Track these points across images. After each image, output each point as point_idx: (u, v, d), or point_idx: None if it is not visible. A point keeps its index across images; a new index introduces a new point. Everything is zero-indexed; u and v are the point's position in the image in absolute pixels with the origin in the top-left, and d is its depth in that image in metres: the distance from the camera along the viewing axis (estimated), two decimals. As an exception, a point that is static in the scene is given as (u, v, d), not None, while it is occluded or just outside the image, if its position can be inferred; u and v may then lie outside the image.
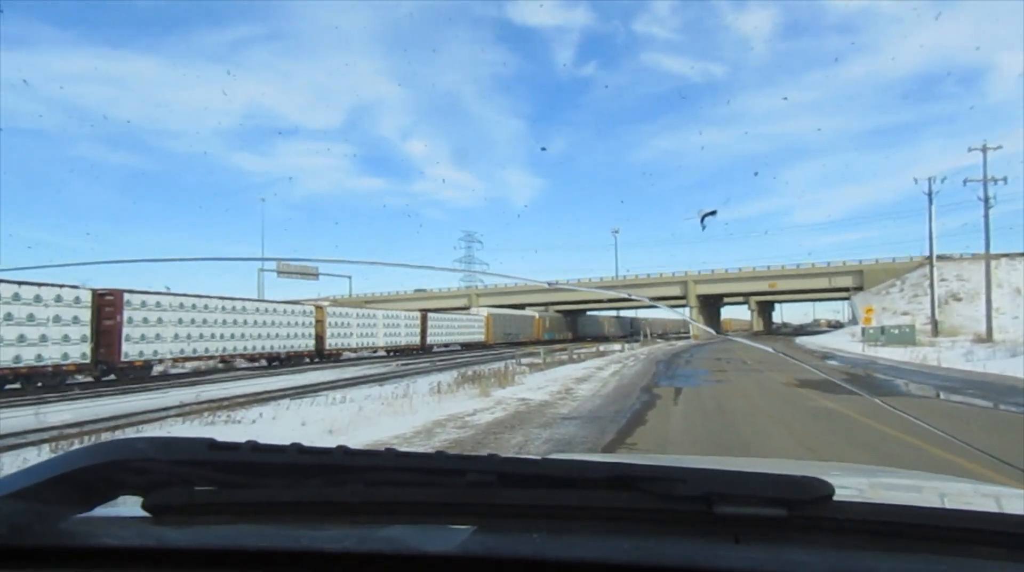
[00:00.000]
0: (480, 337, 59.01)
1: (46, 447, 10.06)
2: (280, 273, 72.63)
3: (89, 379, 24.51)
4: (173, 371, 29.03)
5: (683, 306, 77.24)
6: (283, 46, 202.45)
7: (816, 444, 8.96)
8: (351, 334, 39.72)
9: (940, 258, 51.32)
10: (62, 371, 22.60)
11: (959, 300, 55.01)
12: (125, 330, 24.80)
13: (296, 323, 34.65)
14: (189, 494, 0.96)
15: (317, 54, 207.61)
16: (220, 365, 31.42)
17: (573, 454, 7.42)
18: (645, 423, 11.29)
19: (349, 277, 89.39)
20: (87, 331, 23.38)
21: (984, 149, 39.88)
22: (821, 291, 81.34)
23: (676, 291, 79.63)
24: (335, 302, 57.93)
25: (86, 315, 23.44)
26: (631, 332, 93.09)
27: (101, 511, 0.98)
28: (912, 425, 9.30)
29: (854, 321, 60.10)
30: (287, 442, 1.01)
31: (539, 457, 1.06)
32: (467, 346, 55.09)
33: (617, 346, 46.50)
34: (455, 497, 0.95)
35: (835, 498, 0.93)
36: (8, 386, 21.13)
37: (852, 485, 1.76)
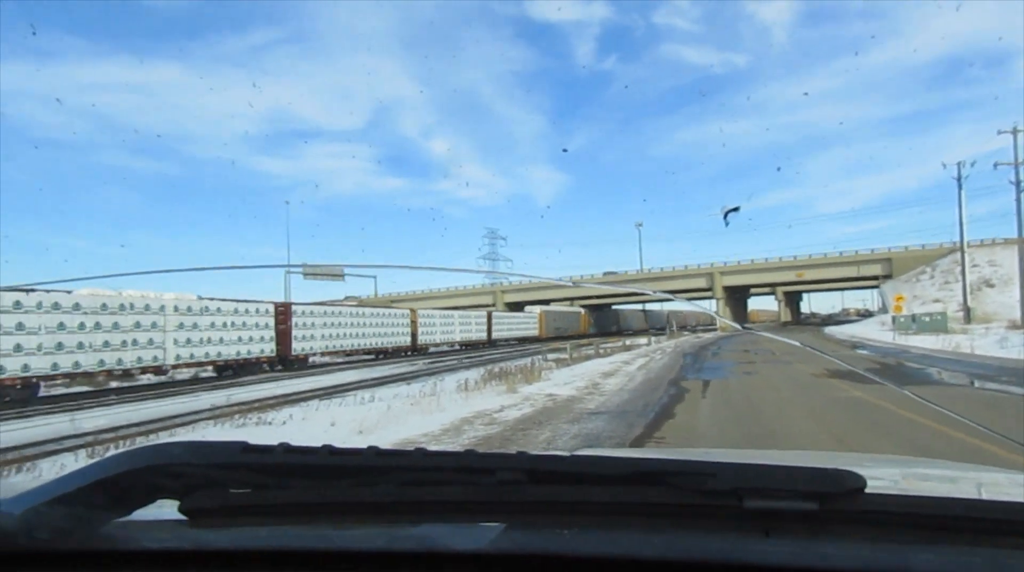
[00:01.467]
0: (535, 332, 64.84)
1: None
2: (306, 274, 73.29)
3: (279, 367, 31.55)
4: (320, 361, 36.53)
5: (709, 298, 76.66)
6: (304, 49, 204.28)
7: (846, 435, 8.86)
8: (435, 332, 47.43)
9: (971, 244, 50.45)
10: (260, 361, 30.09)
11: (992, 286, 54.04)
12: (294, 332, 32.19)
13: (398, 324, 42.67)
14: (224, 497, 0.97)
15: (338, 56, 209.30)
16: (347, 358, 39.21)
17: (601, 449, 7.41)
18: (673, 417, 11.24)
19: (374, 277, 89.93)
20: (273, 333, 30.88)
21: (1015, 132, 38.99)
22: (850, 280, 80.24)
23: (702, 283, 79.07)
24: (385, 302, 62.14)
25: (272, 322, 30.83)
26: (657, 325, 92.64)
27: (139, 515, 1.00)
28: (946, 414, 9.15)
29: (884, 310, 59.30)
30: (319, 443, 1.02)
31: (568, 453, 1.07)
32: (523, 340, 60.18)
33: (643, 340, 46.29)
34: (485, 495, 0.96)
35: (867, 490, 0.92)
36: (226, 372, 28.38)
37: (885, 477, 1.74)
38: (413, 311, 45.00)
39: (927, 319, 41.10)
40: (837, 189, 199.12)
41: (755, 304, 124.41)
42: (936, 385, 15.17)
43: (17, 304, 20.10)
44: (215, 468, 0.97)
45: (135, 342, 23.56)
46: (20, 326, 20.18)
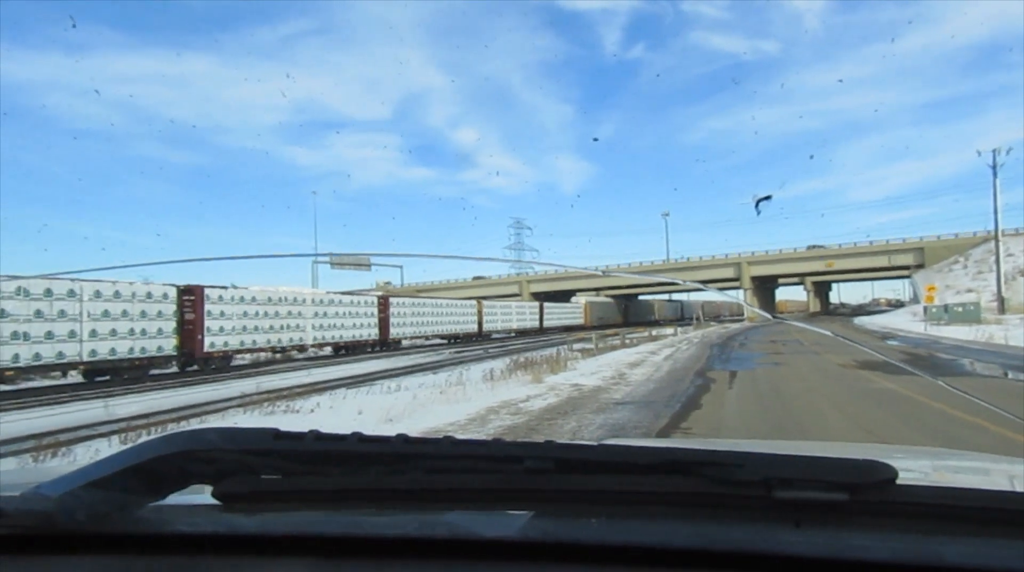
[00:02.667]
0: (580, 321, 70.09)
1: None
2: (334, 264, 74.05)
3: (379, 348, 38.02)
4: (408, 344, 42.12)
5: (736, 288, 76.03)
6: (334, 40, 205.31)
7: (876, 427, 8.76)
8: (497, 320, 54.27)
9: (1006, 232, 49.46)
10: (366, 343, 37.04)
11: (1027, 275, 52.97)
12: (391, 320, 39.31)
13: (468, 313, 49.60)
14: (256, 482, 0.99)
15: (366, 46, 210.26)
16: (426, 341, 45.15)
17: (627, 439, 7.41)
18: (700, 407, 11.18)
19: (400, 267, 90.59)
20: (376, 320, 37.91)
21: (1053, 118, 38.05)
22: (880, 270, 79.16)
23: (729, 273, 78.42)
24: (401, 292, 68.90)
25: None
26: (683, 316, 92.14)
27: (173, 499, 1.02)
28: (978, 406, 9.02)
29: (915, 300, 58.38)
30: (347, 431, 1.04)
31: (595, 443, 1.07)
32: (569, 328, 63.52)
33: (669, 330, 46.03)
34: (513, 483, 0.97)
35: (898, 481, 0.91)
36: (341, 350, 35.10)
37: (915, 468, 1.72)
38: (479, 302, 52.29)
39: (960, 309, 40.39)
40: (869, 177, 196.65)
41: (783, 294, 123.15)
42: (968, 376, 14.92)
43: (220, 297, 27.65)
44: (247, 454, 0.98)
45: (286, 327, 31.33)
46: (222, 314, 27.69)
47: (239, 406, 14.67)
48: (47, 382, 21.65)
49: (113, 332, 22.49)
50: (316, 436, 1.00)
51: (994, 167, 45.31)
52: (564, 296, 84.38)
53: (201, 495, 1.01)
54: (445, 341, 45.77)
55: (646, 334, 40.05)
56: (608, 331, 39.95)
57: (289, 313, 31.49)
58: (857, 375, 15.04)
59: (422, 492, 0.98)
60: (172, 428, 12.97)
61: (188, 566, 0.96)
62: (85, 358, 21.53)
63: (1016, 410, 9.05)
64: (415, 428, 9.73)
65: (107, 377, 22.31)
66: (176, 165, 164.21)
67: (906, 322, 44.10)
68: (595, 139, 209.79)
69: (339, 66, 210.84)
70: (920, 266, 66.98)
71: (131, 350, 23.14)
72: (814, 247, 77.15)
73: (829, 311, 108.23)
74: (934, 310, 40.04)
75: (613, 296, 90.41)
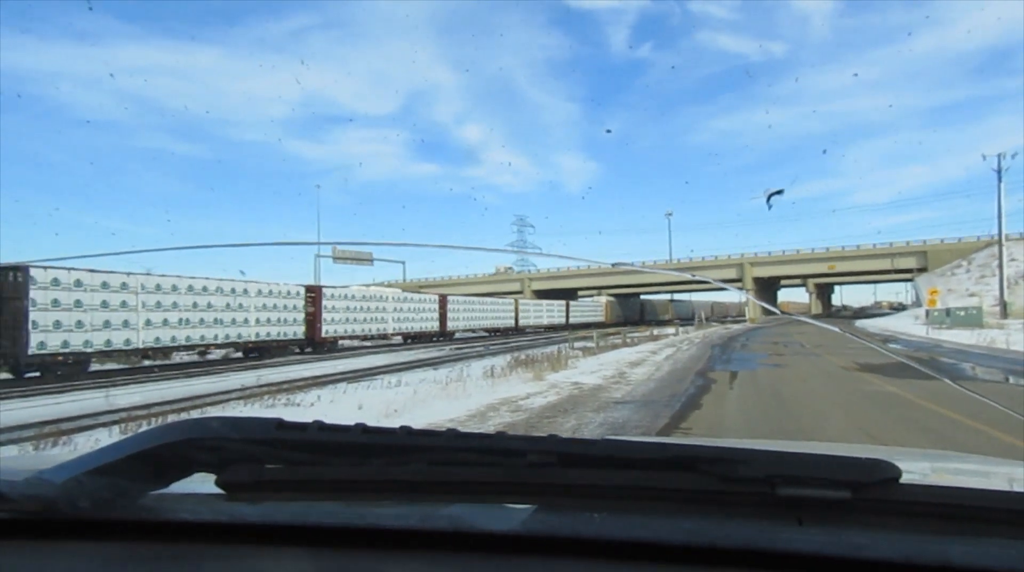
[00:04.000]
0: (601, 318, 74.12)
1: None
2: (336, 259, 74.02)
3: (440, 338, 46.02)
4: (461, 335, 50.21)
5: (738, 290, 75.98)
6: (340, 34, 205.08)
7: (877, 430, 8.75)
8: (530, 317, 61.31)
9: (1010, 237, 49.35)
10: (430, 334, 45.37)
11: (1030, 281, 52.84)
12: (449, 315, 47.18)
13: (507, 310, 57.05)
14: (259, 472, 0.99)
15: (373, 41, 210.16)
16: (473, 333, 52.78)
17: (628, 437, 7.40)
18: (700, 408, 11.18)
19: (403, 262, 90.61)
20: (437, 315, 45.96)
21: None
22: (883, 273, 79.02)
23: (732, 274, 78.30)
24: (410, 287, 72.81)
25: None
26: (685, 315, 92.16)
27: (177, 487, 1.02)
28: (979, 410, 9.01)
29: (918, 303, 58.30)
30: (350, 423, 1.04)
31: (598, 438, 1.07)
32: (590, 325, 65.17)
33: (671, 330, 46.02)
34: (516, 477, 0.97)
35: (901, 481, 0.91)
36: (409, 340, 42.99)
37: (917, 469, 1.72)
38: (516, 301, 59.65)
39: (962, 313, 40.32)
40: (873, 180, 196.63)
41: (785, 296, 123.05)
42: (969, 380, 14.90)
43: (332, 295, 35.43)
44: (251, 443, 0.98)
45: (374, 319, 38.86)
46: (333, 308, 35.20)
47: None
48: (219, 353, 30.06)
49: (268, 320, 30.43)
50: (320, 426, 1.00)
51: (999, 171, 45.25)
52: (566, 294, 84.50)
53: (204, 484, 1.01)
54: (487, 333, 54.09)
55: (647, 333, 40.05)
56: (609, 330, 40.25)
57: (377, 308, 39.38)
58: (858, 378, 15.02)
59: (425, 484, 0.99)
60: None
61: (190, 554, 0.96)
62: (253, 339, 29.59)
63: (1017, 414, 9.03)
64: (414, 423, 9.72)
65: (256, 354, 29.70)
66: (182, 156, 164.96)
67: (908, 325, 44.03)
68: (608, 131, 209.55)
69: (346, 60, 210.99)
70: (923, 269, 66.88)
71: (278, 334, 31.06)
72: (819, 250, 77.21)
73: (831, 313, 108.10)
74: (936, 314, 39.98)
75: (615, 295, 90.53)
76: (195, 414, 11.12)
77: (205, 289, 27.10)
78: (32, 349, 19.90)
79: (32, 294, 19.94)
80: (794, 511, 0.91)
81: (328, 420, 1.03)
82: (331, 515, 0.99)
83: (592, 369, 18.51)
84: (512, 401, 12.22)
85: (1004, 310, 43.74)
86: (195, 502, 1.04)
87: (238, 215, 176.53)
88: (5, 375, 20.06)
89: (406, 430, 1.00)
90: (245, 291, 29.11)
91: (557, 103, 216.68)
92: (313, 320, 33.29)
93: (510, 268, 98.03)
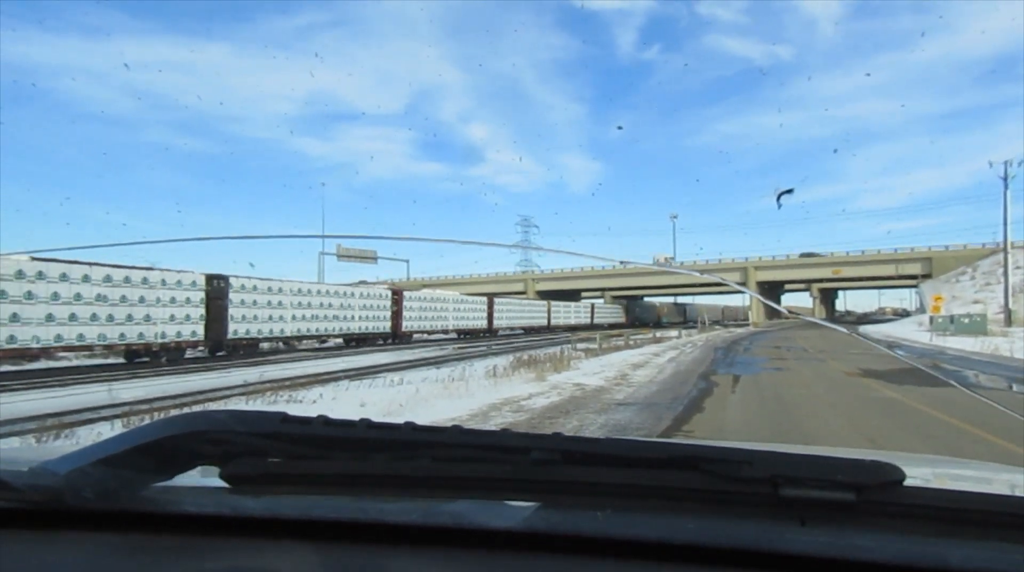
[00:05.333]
0: (621, 320, 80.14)
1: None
2: (340, 257, 74.12)
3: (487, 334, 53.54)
4: (503, 332, 56.42)
5: (742, 293, 75.84)
6: (348, 32, 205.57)
7: (879, 435, 8.73)
8: (560, 317, 66.98)
9: (1015, 244, 49.23)
10: (478, 330, 52.62)
11: (1035, 288, 52.68)
12: (495, 315, 54.59)
13: (539, 311, 64.25)
14: (263, 465, 0.99)
15: (380, 39, 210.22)
16: (512, 330, 58.79)
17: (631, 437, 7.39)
18: (702, 410, 11.17)
19: (407, 261, 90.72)
20: (486, 314, 53.58)
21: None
22: (887, 278, 78.92)
23: (735, 278, 78.04)
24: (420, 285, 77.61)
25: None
26: (688, 318, 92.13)
27: (181, 480, 1.02)
28: (981, 417, 8.98)
29: (922, 310, 58.18)
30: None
31: (602, 437, 1.07)
32: (612, 325, 70.95)
33: (673, 332, 45.99)
34: (519, 474, 0.97)
35: (905, 484, 0.91)
36: (463, 334, 49.92)
37: (919, 474, 1.72)
38: (548, 302, 66.54)
39: (966, 320, 40.19)
40: (878, 186, 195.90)
41: (789, 301, 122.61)
42: (972, 388, 14.86)
43: (410, 297, 43.52)
44: (255, 437, 0.98)
45: (439, 317, 46.34)
46: (410, 308, 43.02)
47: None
48: (333, 342, 37.04)
49: (366, 317, 38.04)
50: (324, 421, 1.00)
51: (1005, 178, 45.16)
52: (570, 295, 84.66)
53: (209, 476, 1.02)
54: (523, 331, 59.67)
55: (650, 336, 40.02)
56: (612, 332, 40.45)
57: (440, 308, 46.55)
58: (860, 383, 15.00)
59: (428, 480, 0.99)
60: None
61: (194, 546, 0.97)
62: (357, 332, 37.07)
63: (1020, 421, 9.00)
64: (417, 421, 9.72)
65: (355, 344, 36.76)
66: (188, 152, 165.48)
67: (912, 332, 43.92)
68: (619, 127, 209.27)
69: (354, 58, 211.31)
70: (928, 276, 66.73)
71: (372, 328, 38.67)
72: (810, 254, 77.15)
73: (834, 318, 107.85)
74: (940, 320, 39.84)
75: (617, 297, 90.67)
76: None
77: (328, 292, 35.36)
78: (229, 335, 28.21)
79: (231, 296, 28.28)
80: (797, 512, 0.91)
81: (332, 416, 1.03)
82: (334, 509, 0.99)
83: (594, 370, 18.50)
84: (514, 401, 12.22)
85: (1008, 318, 43.61)
86: (199, 495, 1.04)
87: (243, 211, 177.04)
88: (200, 352, 27.69)
89: (410, 426, 1.00)
90: (351, 293, 37.31)
91: (564, 103, 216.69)
92: (396, 317, 41.03)
93: (516, 269, 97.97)
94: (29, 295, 20.33)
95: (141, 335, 23.97)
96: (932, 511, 0.93)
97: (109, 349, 23.34)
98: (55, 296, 21.07)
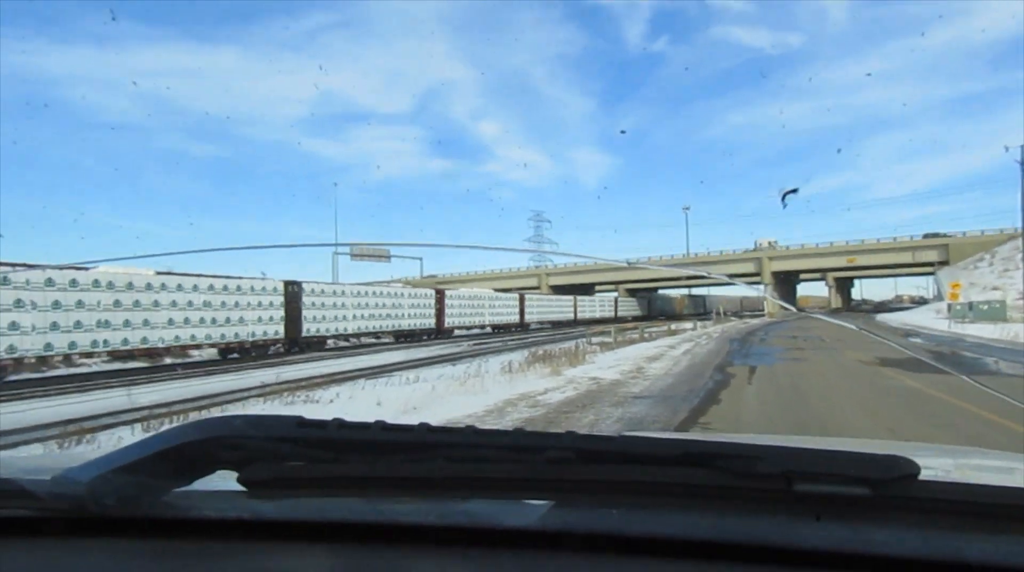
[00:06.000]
0: (644, 313, 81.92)
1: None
2: (354, 256, 74.47)
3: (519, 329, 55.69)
4: (534, 326, 58.31)
5: (757, 284, 75.54)
6: (355, 33, 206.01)
7: (897, 425, 8.68)
8: (586, 311, 70.03)
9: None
10: (510, 325, 54.69)
11: (1055, 273, 52.04)
12: (526, 310, 57.24)
13: (568, 306, 66.90)
14: (280, 469, 1.00)
15: (388, 39, 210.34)
16: (540, 325, 59.94)
17: (646, 433, 7.38)
18: (719, 402, 11.13)
19: (420, 259, 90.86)
20: (517, 310, 56.18)
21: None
22: (904, 266, 78.10)
23: (750, 268, 77.70)
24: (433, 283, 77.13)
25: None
26: (703, 310, 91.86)
27: (200, 485, 1.03)
28: (1002, 405, 8.90)
29: (939, 297, 57.60)
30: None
31: (616, 434, 1.07)
32: (634, 318, 72.29)
33: (688, 324, 45.77)
34: (534, 473, 0.97)
35: (920, 477, 0.91)
36: (497, 329, 51.79)
37: (937, 465, 1.70)
38: (575, 298, 69.19)
39: (984, 307, 39.82)
40: (893, 173, 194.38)
41: (804, 290, 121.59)
42: (992, 375, 14.74)
43: (451, 295, 46.24)
44: (272, 441, 0.99)
45: (476, 314, 49.18)
46: (451, 305, 45.73)
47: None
48: (386, 339, 39.68)
49: (414, 315, 41.45)
50: (340, 424, 1.01)
51: (1022, 163, 44.61)
52: (583, 289, 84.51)
53: (227, 481, 1.03)
54: (551, 325, 60.93)
55: (665, 328, 39.89)
56: (627, 325, 40.38)
57: (477, 305, 49.40)
58: (879, 372, 14.90)
59: (443, 480, 0.99)
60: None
61: (214, 550, 0.98)
62: (406, 329, 40.71)
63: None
64: (433, 419, 9.76)
65: (405, 340, 40.11)
66: (199, 157, 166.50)
67: (929, 319, 43.56)
68: (622, 131, 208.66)
69: (361, 58, 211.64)
70: (945, 263, 66.06)
71: (419, 325, 41.98)
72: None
73: (851, 307, 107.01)
74: (958, 308, 39.48)
75: (632, 290, 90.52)
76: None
77: (379, 293, 39.00)
78: (303, 333, 32.14)
79: (304, 299, 32.04)
80: (812, 507, 0.91)
81: (348, 416, 1.04)
82: (350, 511, 1.00)
83: (610, 364, 18.47)
84: (530, 396, 12.23)
85: (1028, 303, 43.13)
86: (218, 499, 1.06)
87: (255, 213, 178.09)
88: (279, 349, 30.73)
89: (425, 427, 1.01)
90: (402, 294, 41.40)
91: (573, 98, 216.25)
92: (440, 314, 44.44)
93: (529, 265, 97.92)
94: (156, 304, 24.45)
95: (237, 334, 28.10)
96: (948, 504, 0.93)
97: (213, 347, 27.41)
98: (173, 304, 25.09)
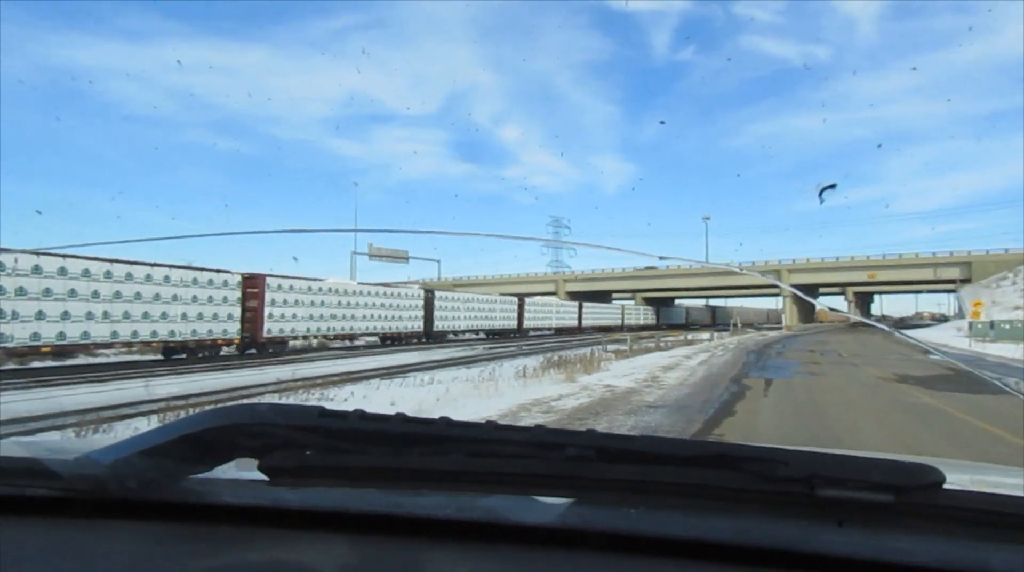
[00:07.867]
0: (652, 322, 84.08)
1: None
2: (371, 256, 74.76)
3: (517, 334, 56.20)
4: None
5: (775, 296, 75.08)
6: (383, 34, 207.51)
7: (915, 442, 8.58)
8: (631, 318, 74.86)
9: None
10: (507, 330, 54.53)
11: (1079, 295, 51.30)
12: (525, 315, 56.22)
13: (614, 312, 73.09)
14: (301, 458, 1.00)
15: (415, 41, 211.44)
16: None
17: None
18: (733, 414, 11.06)
19: (438, 261, 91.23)
20: (516, 314, 55.38)
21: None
22: (925, 283, 77.37)
23: (769, 280, 77.12)
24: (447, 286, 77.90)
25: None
26: (720, 321, 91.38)
27: (220, 471, 1.04)
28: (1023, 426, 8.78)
29: (960, 315, 56.98)
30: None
31: (638, 434, 1.07)
32: (642, 327, 74.38)
33: (705, 335, 45.58)
34: (553, 470, 0.97)
35: (945, 487, 0.89)
36: (492, 334, 51.45)
37: (959, 480, 1.68)
38: (580, 303, 68.41)
39: (1007, 326, 39.30)
40: (916, 188, 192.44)
41: (823, 304, 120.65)
42: (1012, 396, 14.54)
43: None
44: (294, 430, 1.00)
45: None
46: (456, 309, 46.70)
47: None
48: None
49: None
50: (361, 415, 1.01)
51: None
52: (601, 296, 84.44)
53: (248, 468, 1.03)
54: (553, 332, 61.26)
55: (682, 338, 39.72)
56: (643, 334, 40.24)
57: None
58: (896, 389, 14.75)
59: (463, 475, 0.99)
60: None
61: (232, 537, 0.98)
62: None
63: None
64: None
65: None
66: (225, 153, 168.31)
67: (950, 337, 43.06)
68: (662, 122, 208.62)
69: (387, 61, 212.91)
70: (967, 281, 65.34)
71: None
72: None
73: (866, 324, 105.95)
74: (980, 326, 39.02)
75: (648, 299, 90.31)
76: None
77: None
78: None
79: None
80: (834, 513, 0.90)
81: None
82: (369, 503, 1.00)
83: (624, 372, 18.41)
84: (543, 402, 12.21)
85: (1052, 324, 42.53)
86: (238, 486, 1.06)
87: (280, 211, 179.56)
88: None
89: (446, 420, 1.01)
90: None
91: (597, 105, 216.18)
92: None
93: (547, 270, 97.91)
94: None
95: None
96: (974, 514, 0.91)
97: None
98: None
